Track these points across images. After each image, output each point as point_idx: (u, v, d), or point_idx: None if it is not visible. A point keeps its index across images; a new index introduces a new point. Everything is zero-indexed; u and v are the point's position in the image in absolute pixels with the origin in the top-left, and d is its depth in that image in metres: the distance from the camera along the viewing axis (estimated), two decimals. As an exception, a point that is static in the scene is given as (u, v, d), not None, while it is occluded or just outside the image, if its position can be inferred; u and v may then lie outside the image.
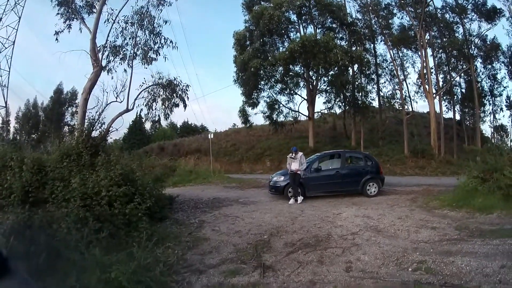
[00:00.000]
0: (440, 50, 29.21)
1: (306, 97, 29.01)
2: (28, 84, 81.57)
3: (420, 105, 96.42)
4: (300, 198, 11.91)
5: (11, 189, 6.97)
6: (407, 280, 4.41)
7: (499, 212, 8.08)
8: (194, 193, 14.82)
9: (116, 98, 12.77)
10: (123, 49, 14.18)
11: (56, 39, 14.65)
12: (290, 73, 28.86)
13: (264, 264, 5.64)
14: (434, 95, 26.68)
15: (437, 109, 27.68)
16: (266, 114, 30.06)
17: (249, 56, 25.73)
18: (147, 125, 45.10)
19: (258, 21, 25.63)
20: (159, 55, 14.57)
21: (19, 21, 34.29)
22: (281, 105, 30.28)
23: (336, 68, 26.62)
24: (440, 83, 29.62)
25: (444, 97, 30.72)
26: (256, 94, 29.38)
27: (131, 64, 14.09)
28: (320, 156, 13.94)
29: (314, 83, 29.01)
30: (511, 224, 7.10)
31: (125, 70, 13.92)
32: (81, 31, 14.41)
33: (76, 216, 6.08)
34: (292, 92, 30.35)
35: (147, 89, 14.23)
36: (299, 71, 29.14)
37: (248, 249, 6.59)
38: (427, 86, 26.24)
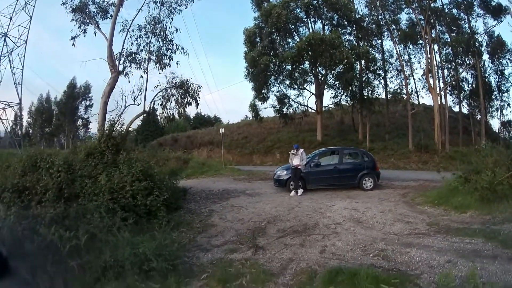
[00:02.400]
0: (446, 46, 29.58)
1: (314, 92, 29.91)
2: (40, 79, 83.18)
3: (427, 100, 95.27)
4: (300, 191, 13.16)
5: (46, 187, 7.65)
6: (364, 263, 5.54)
7: (472, 212, 8.87)
8: (206, 185, 16.09)
9: (134, 101, 14.25)
10: (138, 56, 15.56)
11: (73, 44, 16.12)
12: (299, 70, 29.74)
13: (257, 245, 7.02)
14: (440, 90, 27.13)
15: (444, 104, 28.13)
16: (276, 108, 31.05)
17: (259, 53, 26.71)
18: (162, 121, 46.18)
19: (267, 19, 26.56)
20: (172, 60, 15.95)
21: (30, 20, 35.29)
22: (290, 99, 31.28)
23: (342, 66, 27.34)
24: (447, 78, 30.03)
25: (451, 92, 31.36)
26: (266, 89, 30.29)
27: (146, 71, 15.47)
28: (320, 152, 15.23)
29: (322, 78, 29.78)
30: (478, 225, 7.80)
31: (141, 76, 15.31)
32: (95, 35, 15.77)
33: (106, 207, 7.28)
34: (301, 86, 31.22)
35: (162, 91, 15.62)
36: (307, 67, 29.89)
37: (247, 234, 7.96)
38: (431, 82, 26.64)
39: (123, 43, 15.35)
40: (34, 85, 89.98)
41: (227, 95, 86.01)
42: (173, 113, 16.38)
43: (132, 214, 7.53)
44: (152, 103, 15.70)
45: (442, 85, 28.41)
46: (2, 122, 38.83)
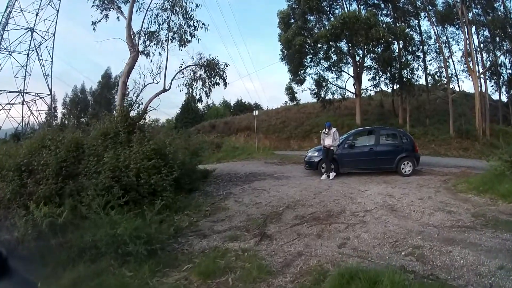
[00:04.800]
0: (483, 28, 26.83)
1: (352, 74, 27.96)
2: (74, 71, 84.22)
3: (467, 85, 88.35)
4: (332, 174, 11.69)
5: (47, 164, 7.14)
6: (393, 265, 4.11)
7: (522, 201, 7.22)
8: (234, 168, 15.02)
9: (153, 79, 13.23)
10: (158, 34, 14.55)
11: (94, 29, 15.11)
12: (334, 50, 27.92)
13: (265, 233, 5.80)
14: (478, 75, 24.77)
15: (483, 90, 25.93)
16: (314, 91, 29.15)
17: (293, 33, 25.14)
18: (199, 105, 44.79)
19: None
20: (194, 37, 14.74)
21: (57, 14, 36.00)
22: (328, 82, 29.30)
23: (379, 45, 25.37)
24: (486, 63, 27.45)
25: (490, 78, 28.56)
26: (302, 71, 28.56)
27: (166, 48, 14.45)
28: (354, 132, 13.56)
29: (360, 60, 27.74)
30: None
31: (160, 54, 14.29)
32: (119, 20, 14.79)
33: (103, 185, 6.53)
34: (338, 69, 29.28)
35: (184, 70, 14.52)
36: (344, 47, 28.08)
37: (258, 219, 6.72)
38: (471, 65, 24.33)
39: (142, 22, 14.37)
40: (71, 78, 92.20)
41: (268, 82, 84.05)
42: (200, 94, 15.23)
43: (134, 194, 6.90)
44: (178, 86, 14.73)
45: (481, 69, 26.02)
46: (32, 114, 39.92)
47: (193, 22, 14.54)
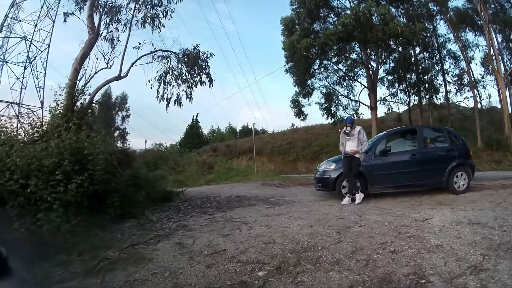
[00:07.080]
0: (502, 28, 23.17)
1: (366, 84, 23.82)
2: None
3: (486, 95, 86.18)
4: (359, 196, 7.21)
5: None
6: None
7: None
8: (218, 190, 10.80)
9: (107, 64, 9.51)
10: (124, 9, 10.90)
11: (65, 20, 11.83)
12: (345, 56, 24.21)
13: None
14: (505, 76, 21.15)
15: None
16: (323, 106, 24.88)
17: (298, 37, 21.09)
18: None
19: None
20: (168, 16, 11.14)
21: (53, 25, 34.65)
22: (339, 94, 25.24)
23: (398, 44, 21.69)
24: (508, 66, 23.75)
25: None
26: (309, 81, 24.54)
27: (128, 25, 10.78)
28: (388, 134, 8.90)
29: (375, 68, 23.77)
30: None
31: (116, 29, 10.62)
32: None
33: None
34: (350, 78, 25.28)
35: (146, 55, 10.53)
36: (356, 51, 24.30)
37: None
38: (495, 65, 20.95)
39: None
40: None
41: (275, 110, 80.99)
42: (178, 93, 11.12)
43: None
44: (149, 81, 10.82)
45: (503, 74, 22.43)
46: (23, 128, 37.20)
47: None
